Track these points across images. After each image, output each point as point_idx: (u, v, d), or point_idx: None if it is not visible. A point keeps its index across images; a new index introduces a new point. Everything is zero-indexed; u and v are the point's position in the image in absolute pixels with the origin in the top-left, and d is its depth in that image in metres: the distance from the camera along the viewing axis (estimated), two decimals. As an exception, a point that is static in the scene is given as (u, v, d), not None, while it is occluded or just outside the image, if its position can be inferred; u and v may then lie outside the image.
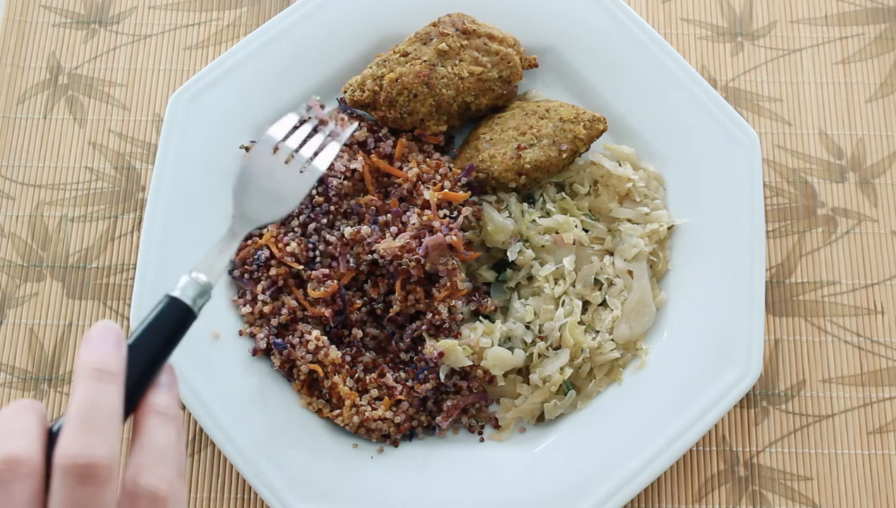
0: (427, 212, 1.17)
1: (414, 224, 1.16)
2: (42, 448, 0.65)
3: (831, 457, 1.19)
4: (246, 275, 1.19)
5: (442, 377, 1.15)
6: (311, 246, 1.18)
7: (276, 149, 0.94)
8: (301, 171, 0.94)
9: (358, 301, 1.17)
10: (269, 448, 1.10)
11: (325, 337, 1.14)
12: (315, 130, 0.97)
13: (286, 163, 0.93)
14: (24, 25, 1.40)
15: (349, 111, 1.26)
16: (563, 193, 1.25)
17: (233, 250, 0.84)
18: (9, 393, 1.21)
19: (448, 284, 1.15)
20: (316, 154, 0.96)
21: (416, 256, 1.13)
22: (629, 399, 1.14)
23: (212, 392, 1.11)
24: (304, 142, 0.96)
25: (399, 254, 1.13)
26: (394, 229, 1.17)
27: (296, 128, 0.97)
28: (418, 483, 1.12)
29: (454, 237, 1.15)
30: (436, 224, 1.15)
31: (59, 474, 0.63)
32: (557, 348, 1.17)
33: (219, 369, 1.13)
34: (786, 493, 1.18)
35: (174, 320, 0.75)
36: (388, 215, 1.19)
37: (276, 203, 0.91)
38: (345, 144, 1.22)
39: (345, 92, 1.23)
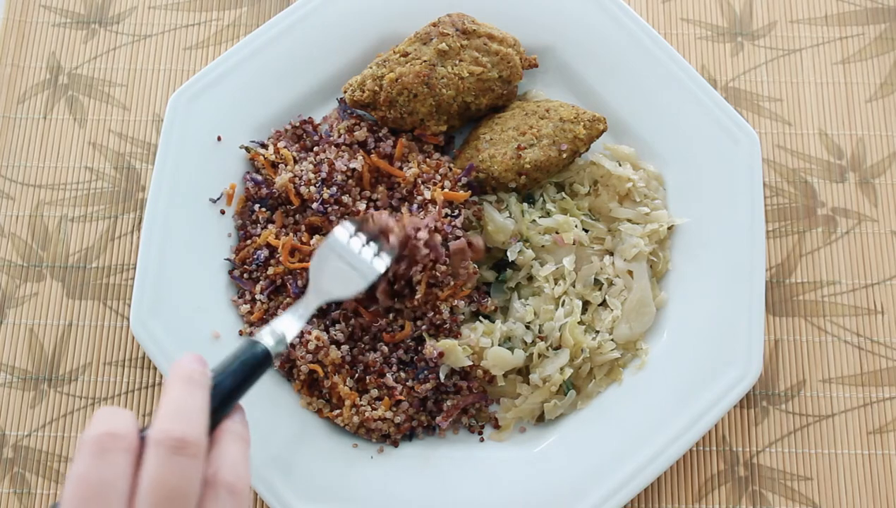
0: (431, 209, 1.17)
1: (427, 226, 1.16)
2: (137, 432, 0.71)
3: (831, 457, 1.19)
4: (245, 275, 1.20)
5: (442, 377, 1.15)
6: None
7: (349, 238, 1.08)
8: (371, 260, 1.07)
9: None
10: (269, 448, 1.10)
11: (326, 337, 1.14)
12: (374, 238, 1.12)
13: (358, 252, 1.07)
14: (24, 25, 1.40)
15: (349, 111, 1.26)
16: (563, 193, 1.25)
17: (307, 317, 0.98)
18: (9, 393, 1.21)
19: (453, 283, 1.15)
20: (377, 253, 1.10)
21: (436, 256, 1.13)
22: (629, 399, 1.14)
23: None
24: (369, 241, 1.10)
25: (416, 235, 1.13)
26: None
27: (358, 229, 1.10)
28: (418, 483, 1.12)
29: (470, 238, 1.15)
30: (438, 224, 1.15)
31: (153, 446, 0.69)
32: (557, 348, 1.17)
33: (219, 369, 1.13)
34: (786, 493, 1.18)
35: (254, 362, 0.85)
36: (390, 208, 1.20)
37: (348, 282, 1.05)
38: (345, 144, 1.22)
39: (345, 92, 1.23)
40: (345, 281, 1.04)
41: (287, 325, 0.93)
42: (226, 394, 0.79)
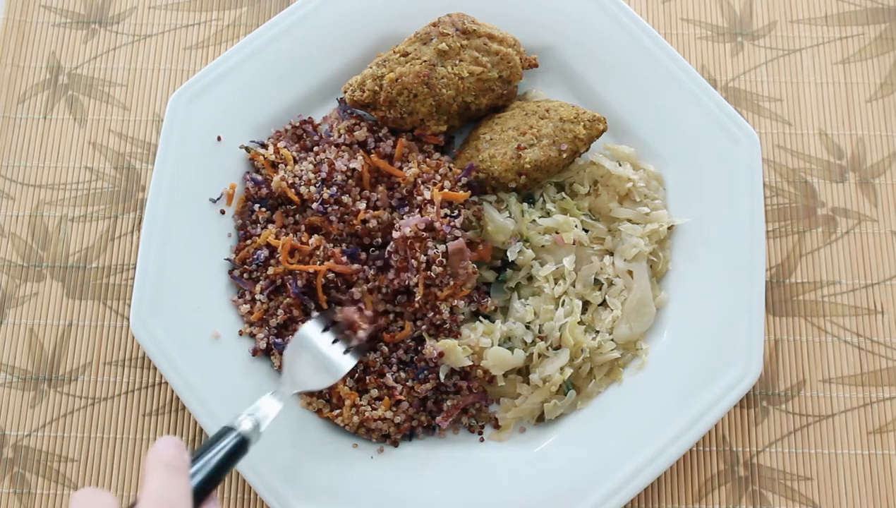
0: (430, 209, 1.17)
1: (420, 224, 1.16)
2: None
3: (831, 457, 1.19)
4: (245, 275, 1.20)
5: (442, 377, 1.15)
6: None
7: (324, 330, 1.13)
8: (339, 359, 1.11)
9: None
10: (270, 448, 1.10)
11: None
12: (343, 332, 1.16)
13: (332, 344, 1.11)
14: (24, 25, 1.40)
15: (349, 111, 1.26)
16: (563, 193, 1.25)
17: (280, 405, 0.98)
18: (9, 393, 1.21)
19: (453, 283, 1.15)
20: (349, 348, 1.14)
21: (437, 258, 1.13)
22: (629, 399, 1.14)
23: (212, 392, 1.11)
24: (337, 338, 1.14)
25: (414, 236, 1.13)
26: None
27: (331, 323, 1.15)
28: (418, 483, 1.12)
29: (467, 236, 1.16)
30: (437, 224, 1.15)
31: None
32: (557, 348, 1.17)
33: (219, 369, 1.13)
34: (786, 493, 1.18)
35: (232, 451, 0.86)
36: (390, 208, 1.20)
37: (321, 374, 1.09)
38: (345, 144, 1.22)
39: (345, 92, 1.23)
40: (315, 375, 1.09)
41: (265, 411, 0.95)
42: (204, 483, 0.80)
